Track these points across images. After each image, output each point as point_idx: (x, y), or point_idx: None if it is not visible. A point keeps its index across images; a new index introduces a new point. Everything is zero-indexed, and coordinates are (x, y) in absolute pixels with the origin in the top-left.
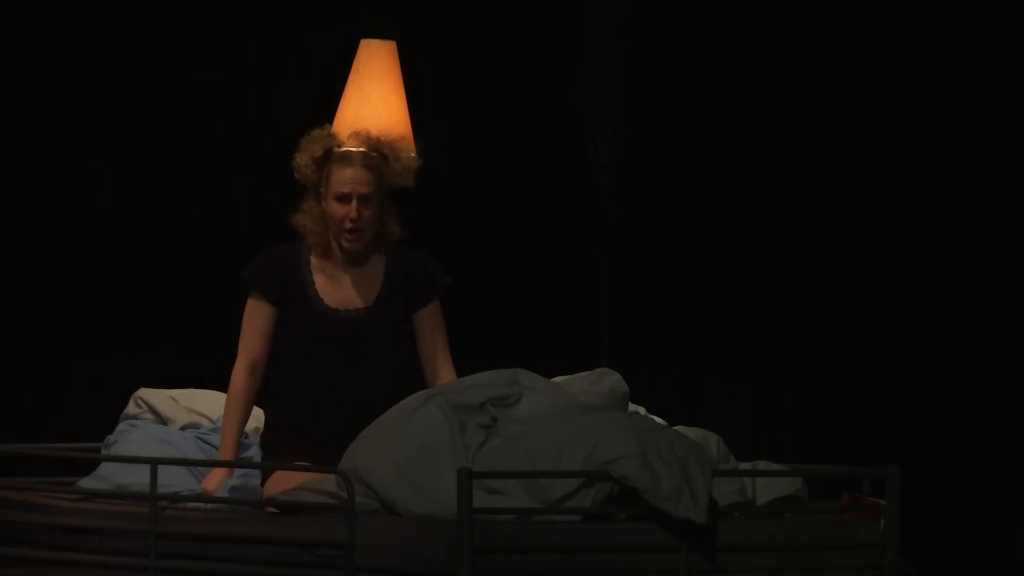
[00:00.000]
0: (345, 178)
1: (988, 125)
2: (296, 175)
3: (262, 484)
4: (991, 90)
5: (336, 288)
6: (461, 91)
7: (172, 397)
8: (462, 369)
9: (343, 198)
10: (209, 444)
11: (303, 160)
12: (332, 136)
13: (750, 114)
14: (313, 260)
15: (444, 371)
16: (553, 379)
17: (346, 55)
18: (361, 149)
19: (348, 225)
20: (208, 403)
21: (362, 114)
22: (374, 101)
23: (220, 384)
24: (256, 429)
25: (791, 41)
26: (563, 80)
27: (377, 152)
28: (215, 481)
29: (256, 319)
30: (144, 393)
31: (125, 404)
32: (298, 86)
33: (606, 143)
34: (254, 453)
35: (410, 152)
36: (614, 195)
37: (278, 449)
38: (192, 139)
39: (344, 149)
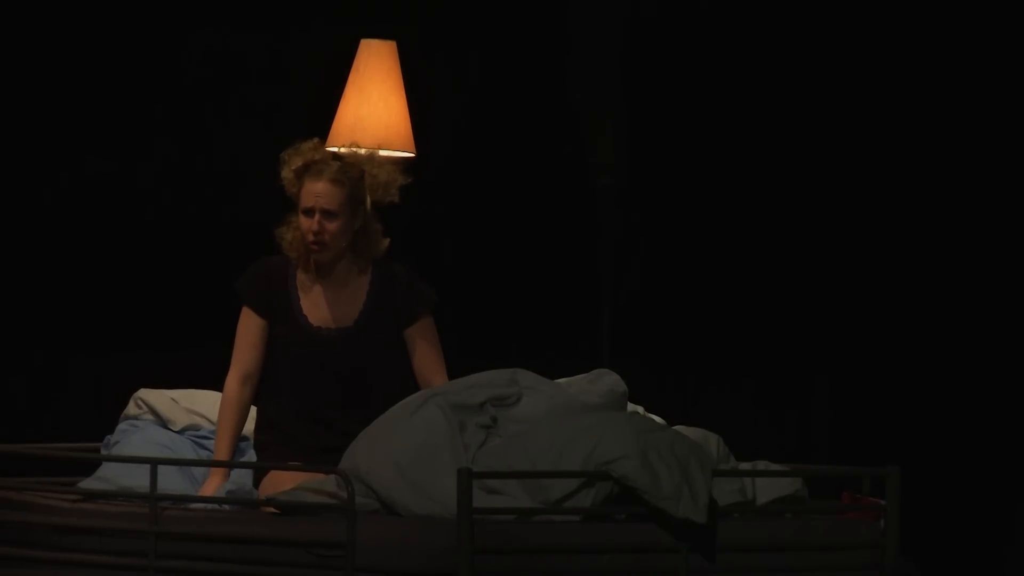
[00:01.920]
0: (311, 191)
1: (988, 125)
2: (286, 189)
3: (256, 484)
4: (991, 90)
5: (319, 306)
6: (461, 91)
7: (172, 398)
8: (462, 369)
9: (308, 211)
10: (207, 448)
11: (286, 173)
12: (316, 149)
13: (750, 114)
14: (299, 276)
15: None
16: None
17: (346, 55)
18: (334, 163)
19: (310, 238)
20: (208, 404)
21: (362, 114)
22: (374, 101)
23: (220, 385)
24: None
25: (792, 41)
26: (563, 80)
27: (352, 168)
28: (212, 488)
29: (248, 330)
30: (144, 394)
31: (125, 404)
32: (298, 86)
33: (606, 143)
34: (249, 455)
35: (395, 166)
36: (614, 195)
37: (270, 450)
38: (192, 139)
39: (318, 163)
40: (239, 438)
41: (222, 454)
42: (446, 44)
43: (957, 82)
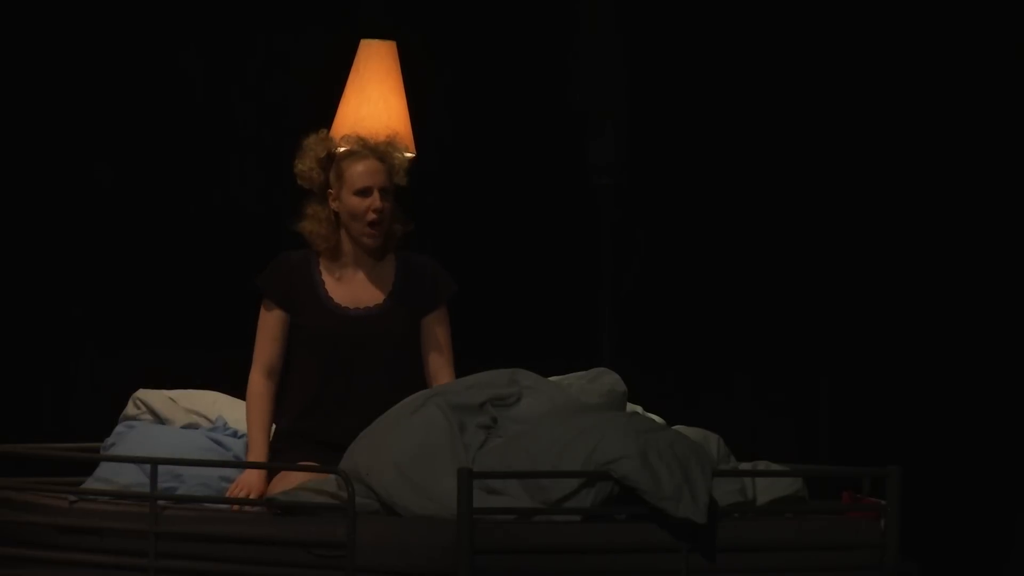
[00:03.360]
0: (363, 172)
1: (987, 125)
2: (300, 181)
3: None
4: (991, 90)
5: (347, 288)
6: (461, 91)
7: (171, 398)
8: (462, 369)
9: (364, 191)
10: (223, 445)
11: (307, 164)
12: (330, 139)
13: (750, 114)
14: (323, 262)
15: (445, 380)
16: (549, 378)
17: (346, 55)
18: (370, 144)
19: (372, 217)
20: (206, 403)
21: (362, 114)
22: (374, 101)
23: (219, 385)
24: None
25: (791, 40)
26: (563, 80)
27: (379, 149)
28: (249, 486)
29: (269, 325)
30: (143, 394)
31: (125, 404)
32: (298, 86)
33: (606, 143)
34: None
35: (404, 151)
36: (614, 195)
37: (282, 456)
38: (192, 140)
39: (350, 148)
40: (270, 431)
41: (257, 450)
42: (446, 44)
43: (956, 82)
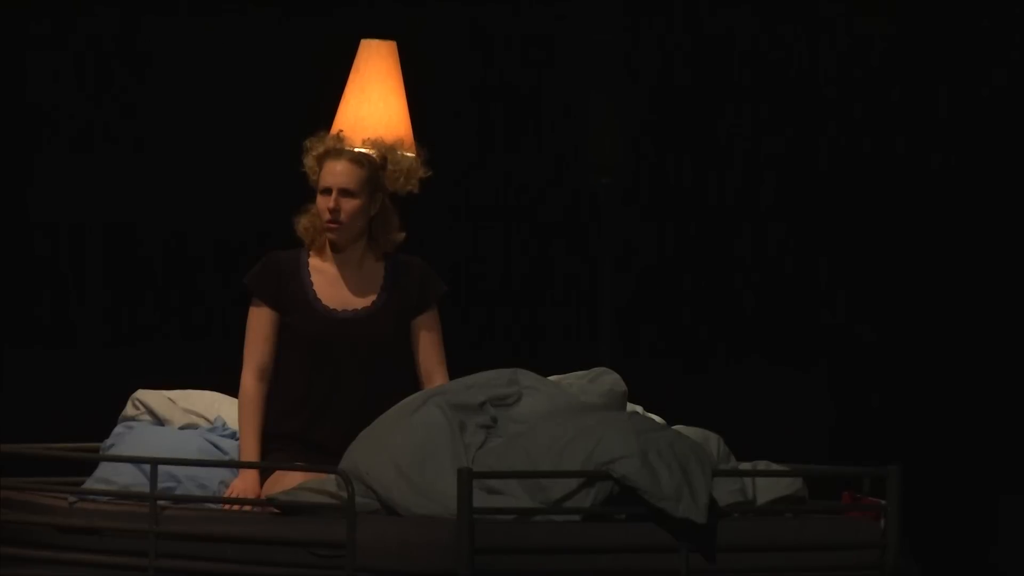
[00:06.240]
0: (330, 171)
1: (987, 125)
2: (309, 180)
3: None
4: (987, 90)
5: (335, 289)
6: (461, 91)
7: (169, 398)
8: (463, 370)
9: (325, 191)
10: (220, 448)
11: (307, 161)
12: (338, 139)
13: (750, 113)
14: (312, 263)
15: (438, 381)
16: (549, 378)
17: (346, 55)
18: (355, 148)
19: (327, 216)
20: (205, 404)
21: (362, 114)
22: (374, 101)
23: (218, 385)
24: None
25: (791, 39)
26: (563, 80)
27: (373, 153)
28: (241, 488)
29: (259, 324)
30: (142, 394)
31: (124, 405)
32: (298, 86)
33: (606, 143)
34: None
35: (408, 157)
36: (614, 195)
37: (268, 459)
38: (190, 139)
39: (339, 146)
40: (262, 435)
41: (250, 453)
42: (446, 44)
43: (953, 83)
